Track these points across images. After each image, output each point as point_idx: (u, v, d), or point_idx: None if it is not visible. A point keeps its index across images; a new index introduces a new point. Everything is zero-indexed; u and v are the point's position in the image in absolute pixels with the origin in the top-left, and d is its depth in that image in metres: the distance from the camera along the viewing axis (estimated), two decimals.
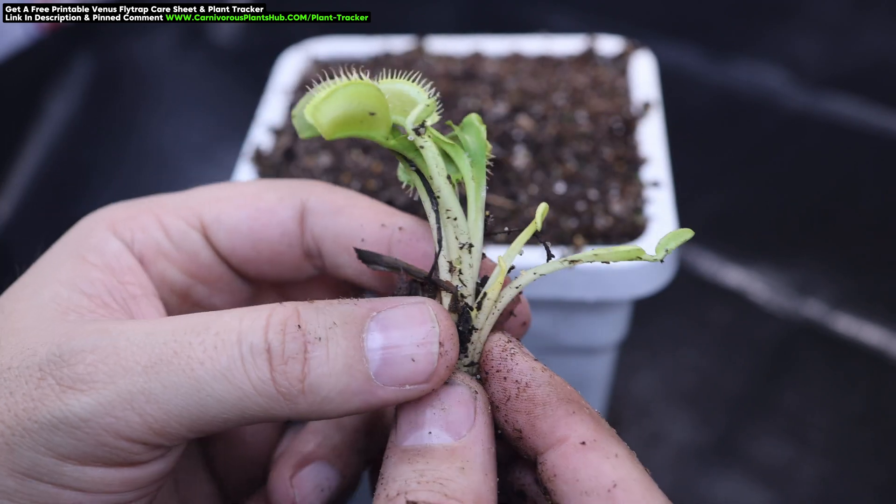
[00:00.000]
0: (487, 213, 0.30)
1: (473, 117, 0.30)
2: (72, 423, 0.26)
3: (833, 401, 0.65)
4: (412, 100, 0.29)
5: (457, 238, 0.29)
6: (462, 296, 0.29)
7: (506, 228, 0.39)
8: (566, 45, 0.53)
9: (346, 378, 0.27)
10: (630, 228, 0.42)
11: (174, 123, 0.87)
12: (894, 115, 0.87)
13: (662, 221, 0.42)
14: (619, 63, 0.52)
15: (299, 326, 0.27)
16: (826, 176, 0.84)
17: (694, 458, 0.62)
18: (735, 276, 0.75)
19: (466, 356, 0.29)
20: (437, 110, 0.29)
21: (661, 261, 0.29)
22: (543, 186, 0.43)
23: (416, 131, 0.28)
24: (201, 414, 0.27)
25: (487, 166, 0.30)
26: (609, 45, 0.53)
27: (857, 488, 0.59)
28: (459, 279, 0.29)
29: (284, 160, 0.47)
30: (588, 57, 0.52)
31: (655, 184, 0.43)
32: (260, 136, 0.49)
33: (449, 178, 0.29)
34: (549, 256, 0.30)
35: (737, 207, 0.81)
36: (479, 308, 0.29)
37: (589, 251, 0.30)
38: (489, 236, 0.36)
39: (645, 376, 0.67)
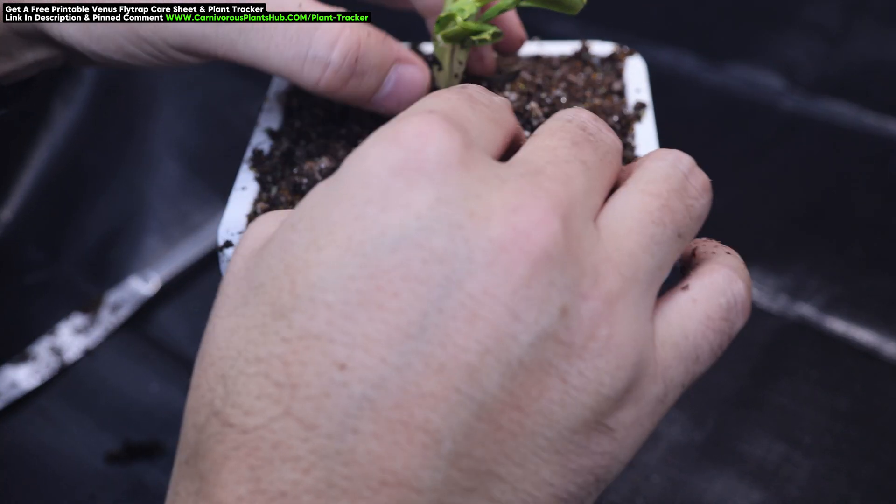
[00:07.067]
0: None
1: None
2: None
3: (826, 400, 0.65)
4: None
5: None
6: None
7: None
8: (559, 48, 0.54)
9: (362, 96, 0.42)
10: None
11: (176, 128, 0.87)
12: (886, 119, 0.88)
13: None
14: (613, 66, 0.52)
15: (357, 59, 0.41)
16: (820, 178, 0.84)
17: (687, 456, 0.62)
18: None
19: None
20: None
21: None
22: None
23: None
24: (260, 60, 0.42)
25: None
26: (601, 49, 0.53)
27: (848, 486, 0.60)
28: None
29: (283, 163, 0.47)
30: (581, 58, 0.53)
31: None
32: (258, 139, 0.49)
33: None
34: None
35: (731, 208, 0.82)
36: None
37: None
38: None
39: None
